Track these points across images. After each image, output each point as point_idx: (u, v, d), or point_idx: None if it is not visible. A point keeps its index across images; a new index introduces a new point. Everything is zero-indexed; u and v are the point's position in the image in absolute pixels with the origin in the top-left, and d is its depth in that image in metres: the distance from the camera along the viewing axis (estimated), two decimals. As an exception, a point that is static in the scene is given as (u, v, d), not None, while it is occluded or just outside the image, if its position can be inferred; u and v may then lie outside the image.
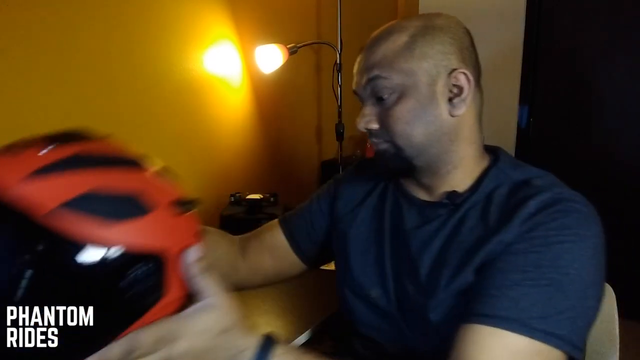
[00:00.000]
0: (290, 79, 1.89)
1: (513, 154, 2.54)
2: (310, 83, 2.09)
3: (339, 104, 1.87)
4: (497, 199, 0.62)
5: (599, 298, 0.57)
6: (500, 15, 2.32)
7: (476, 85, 0.65)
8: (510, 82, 2.35)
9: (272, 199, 1.48)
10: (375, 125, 0.66)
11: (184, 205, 0.45)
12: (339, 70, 1.83)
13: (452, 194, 0.66)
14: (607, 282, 0.79)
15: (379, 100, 0.65)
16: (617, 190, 2.23)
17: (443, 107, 0.64)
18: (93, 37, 1.22)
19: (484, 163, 0.68)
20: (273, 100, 1.88)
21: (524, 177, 0.63)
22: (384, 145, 0.66)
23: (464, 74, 0.63)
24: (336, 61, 1.83)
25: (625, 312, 0.83)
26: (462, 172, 0.67)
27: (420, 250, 0.66)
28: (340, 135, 1.87)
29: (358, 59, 0.67)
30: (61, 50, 1.16)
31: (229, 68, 1.66)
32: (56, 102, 1.16)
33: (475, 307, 0.55)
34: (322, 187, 0.87)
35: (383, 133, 0.65)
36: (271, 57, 1.64)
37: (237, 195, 1.53)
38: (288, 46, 1.66)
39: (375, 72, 0.63)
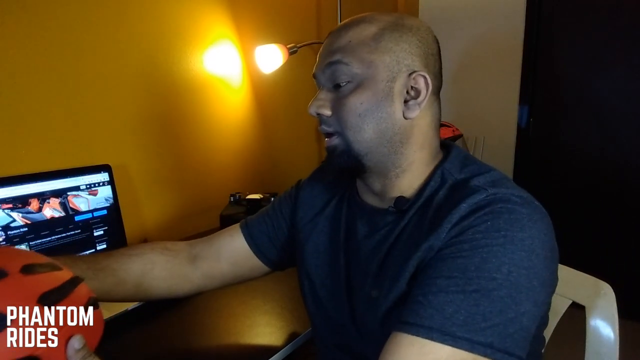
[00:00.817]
0: (290, 79, 1.89)
1: (513, 154, 2.56)
2: (310, 83, 2.09)
3: (339, 104, 1.87)
4: (435, 203, 0.61)
5: (536, 302, 0.53)
6: (500, 15, 2.32)
7: (434, 93, 0.65)
8: (510, 82, 2.35)
9: (272, 199, 1.48)
10: (327, 112, 0.64)
11: (56, 294, 0.45)
12: (339, 70, 1.83)
13: (399, 200, 0.64)
14: (607, 282, 0.79)
15: (336, 87, 0.64)
16: (617, 190, 2.22)
17: (397, 107, 0.62)
18: (93, 36, 1.22)
19: (432, 165, 0.66)
20: (273, 100, 1.88)
21: (464, 177, 0.61)
22: (334, 142, 0.65)
23: (424, 77, 0.62)
24: (336, 61, 1.83)
25: (625, 312, 0.83)
26: (410, 176, 0.65)
27: (368, 260, 0.65)
28: (340, 135, 1.87)
29: (323, 45, 0.66)
30: (61, 49, 1.16)
31: (229, 68, 1.66)
32: (56, 102, 1.16)
33: (402, 314, 0.53)
34: (284, 192, 0.87)
35: (334, 122, 0.64)
36: (271, 57, 1.64)
37: (237, 195, 1.53)
38: (288, 46, 1.66)
39: (337, 57, 0.62)
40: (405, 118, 0.63)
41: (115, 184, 1.20)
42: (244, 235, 0.83)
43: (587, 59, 2.25)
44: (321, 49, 0.66)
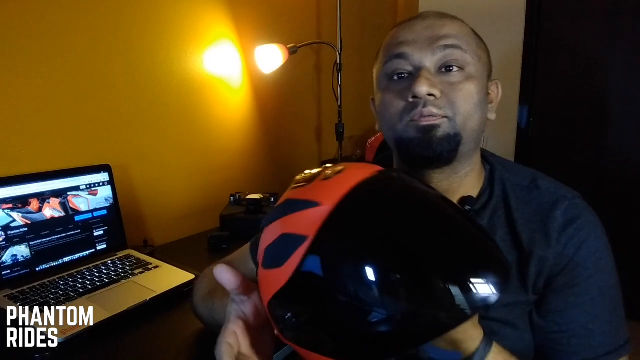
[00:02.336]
0: (290, 79, 1.89)
1: (513, 154, 2.56)
2: (310, 83, 2.09)
3: (339, 104, 1.87)
4: (514, 206, 0.64)
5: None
6: (500, 15, 2.32)
7: None
8: (510, 82, 2.35)
9: (272, 199, 1.48)
10: (437, 92, 0.59)
11: None
12: (339, 70, 1.83)
13: (469, 199, 0.65)
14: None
15: (445, 71, 0.60)
16: (617, 190, 2.22)
17: (487, 105, 0.65)
18: (93, 36, 1.22)
19: (482, 166, 0.70)
20: (273, 100, 1.88)
21: (521, 180, 0.67)
22: (439, 120, 0.59)
23: (497, 84, 0.66)
24: (336, 61, 1.83)
25: (625, 312, 0.82)
26: (474, 176, 0.67)
27: None
28: (340, 135, 1.87)
29: (416, 27, 0.62)
30: (61, 49, 1.16)
31: (229, 68, 1.66)
32: (56, 102, 1.16)
33: (573, 351, 0.60)
34: None
35: (445, 105, 0.59)
36: (271, 57, 1.64)
37: (237, 195, 1.53)
38: (288, 46, 1.66)
39: (455, 42, 0.60)
40: (488, 119, 0.66)
41: (115, 184, 1.20)
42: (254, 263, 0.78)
43: (587, 59, 2.25)
44: (412, 31, 0.62)
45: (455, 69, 0.60)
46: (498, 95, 0.67)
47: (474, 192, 0.67)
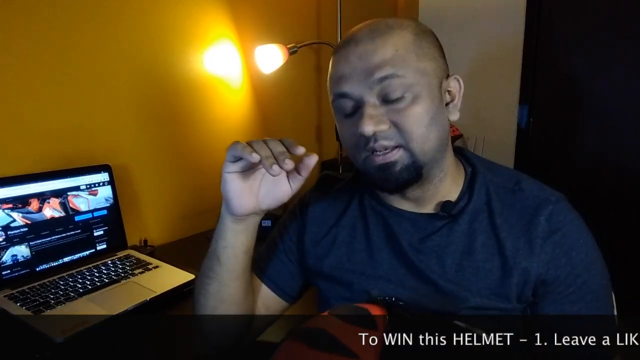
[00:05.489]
0: (290, 79, 1.89)
1: (513, 154, 2.56)
2: (310, 83, 2.09)
3: (339, 104, 1.87)
4: (497, 209, 0.64)
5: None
6: (500, 15, 2.32)
7: None
8: (510, 82, 2.35)
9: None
10: (385, 127, 0.59)
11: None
12: (339, 70, 1.83)
13: (447, 205, 0.65)
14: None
15: (388, 101, 0.59)
16: (617, 191, 2.22)
17: (445, 111, 0.64)
18: (93, 36, 1.22)
19: (461, 168, 0.69)
20: (273, 100, 1.88)
21: (505, 181, 0.66)
22: (395, 156, 0.60)
23: (457, 80, 0.64)
24: (336, 61, 1.83)
25: (625, 312, 0.83)
26: (449, 180, 0.67)
27: (429, 265, 0.64)
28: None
29: (350, 56, 0.60)
30: (61, 49, 1.16)
31: (229, 68, 1.66)
32: (56, 102, 1.16)
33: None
34: (288, 214, 0.81)
35: (395, 135, 0.59)
36: (271, 57, 1.64)
37: (237, 195, 1.53)
38: (288, 46, 1.66)
39: (389, 71, 0.58)
40: (449, 121, 0.64)
41: (115, 184, 1.20)
42: (268, 286, 0.76)
43: (587, 59, 2.25)
44: (349, 64, 0.60)
45: (398, 96, 0.59)
46: (460, 90, 0.65)
47: (453, 196, 0.66)
